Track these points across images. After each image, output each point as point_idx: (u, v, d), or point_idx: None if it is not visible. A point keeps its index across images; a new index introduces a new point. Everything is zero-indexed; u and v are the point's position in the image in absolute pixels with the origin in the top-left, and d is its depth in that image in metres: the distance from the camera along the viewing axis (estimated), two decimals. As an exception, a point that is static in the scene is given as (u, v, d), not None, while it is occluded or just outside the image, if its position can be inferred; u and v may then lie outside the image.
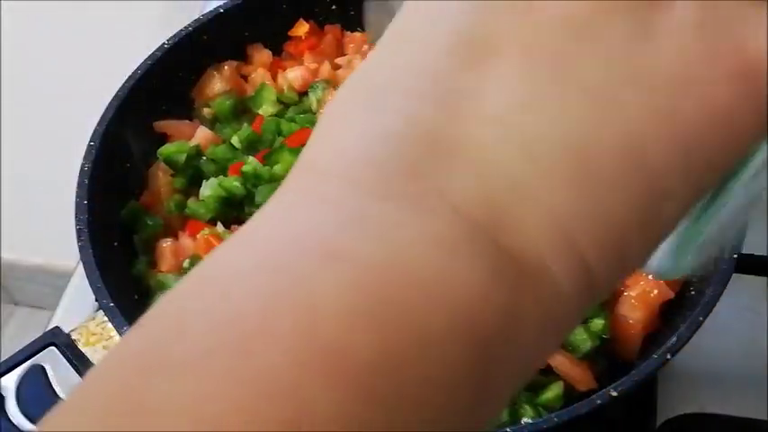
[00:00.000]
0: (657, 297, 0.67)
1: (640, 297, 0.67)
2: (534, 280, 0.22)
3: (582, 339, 0.66)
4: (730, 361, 0.72)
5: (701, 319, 0.61)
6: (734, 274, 0.63)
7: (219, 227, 0.73)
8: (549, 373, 0.66)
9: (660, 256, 0.29)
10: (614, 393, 0.58)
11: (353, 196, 0.22)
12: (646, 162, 0.23)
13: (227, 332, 0.20)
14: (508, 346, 0.22)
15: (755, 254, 0.72)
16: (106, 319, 0.64)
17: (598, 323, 0.66)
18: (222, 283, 0.21)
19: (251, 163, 0.75)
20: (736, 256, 0.63)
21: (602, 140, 0.22)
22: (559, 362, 0.66)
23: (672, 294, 0.68)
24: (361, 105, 0.24)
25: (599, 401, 0.58)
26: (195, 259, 0.71)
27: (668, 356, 0.59)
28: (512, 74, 0.23)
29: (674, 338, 0.60)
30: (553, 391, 0.65)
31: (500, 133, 0.22)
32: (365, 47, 0.84)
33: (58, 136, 1.16)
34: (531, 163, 0.22)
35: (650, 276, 0.30)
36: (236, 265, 0.22)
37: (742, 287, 0.71)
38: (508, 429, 0.58)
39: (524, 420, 0.62)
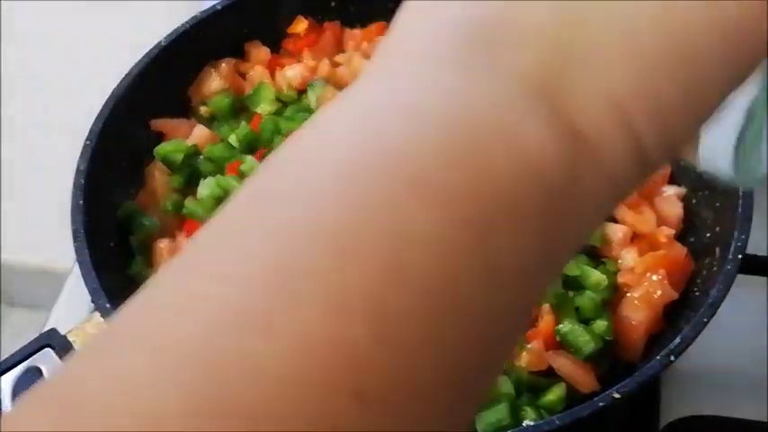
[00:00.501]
0: (661, 298, 0.67)
1: (644, 298, 0.67)
2: (590, 146, 0.25)
3: (584, 341, 0.65)
4: (734, 363, 0.71)
5: (704, 320, 0.60)
6: (738, 276, 0.63)
7: (217, 227, 0.73)
8: (551, 375, 0.65)
9: (723, 155, 0.31)
10: (617, 395, 0.58)
11: (432, 68, 0.25)
12: (690, 45, 0.25)
13: (330, 166, 0.24)
14: (568, 203, 0.25)
15: (759, 255, 0.71)
16: (103, 320, 0.64)
17: (601, 324, 0.66)
18: (327, 138, 0.25)
19: (249, 162, 0.75)
20: (740, 256, 0.63)
21: (650, 23, 0.25)
22: (562, 363, 0.65)
23: (675, 295, 0.67)
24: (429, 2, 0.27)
25: (601, 403, 0.58)
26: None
27: (671, 358, 0.59)
28: None
29: (678, 340, 0.60)
30: (555, 393, 0.64)
31: (555, 12, 0.25)
32: (364, 44, 0.83)
33: (55, 135, 1.15)
34: (586, 41, 0.25)
35: (724, 180, 0.33)
36: (340, 124, 0.25)
37: (746, 288, 0.71)
38: (510, 432, 0.58)
39: (526, 422, 0.62)
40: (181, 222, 0.75)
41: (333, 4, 0.86)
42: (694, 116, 0.27)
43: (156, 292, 0.24)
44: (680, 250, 0.70)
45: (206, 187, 0.75)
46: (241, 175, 0.74)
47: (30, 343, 0.66)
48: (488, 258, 0.23)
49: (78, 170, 0.71)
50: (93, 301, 0.65)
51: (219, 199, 0.73)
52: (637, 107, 0.25)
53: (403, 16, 0.27)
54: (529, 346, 0.65)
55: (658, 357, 0.59)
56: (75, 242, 0.67)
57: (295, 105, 0.81)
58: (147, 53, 0.78)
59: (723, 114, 0.29)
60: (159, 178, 0.77)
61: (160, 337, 0.22)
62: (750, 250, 0.64)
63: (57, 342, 0.66)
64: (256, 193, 0.24)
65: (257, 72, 0.83)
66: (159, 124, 0.80)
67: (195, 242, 0.24)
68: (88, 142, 0.72)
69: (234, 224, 0.24)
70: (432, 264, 0.22)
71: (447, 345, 0.22)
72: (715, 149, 0.31)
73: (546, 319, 0.66)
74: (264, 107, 0.81)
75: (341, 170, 0.23)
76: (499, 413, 0.62)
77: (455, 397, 0.23)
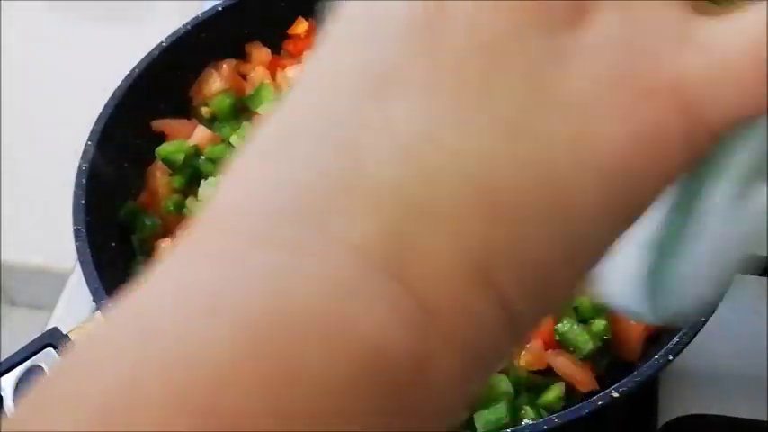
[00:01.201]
0: (659, 297, 0.67)
1: (642, 297, 0.67)
2: (447, 321, 0.21)
3: (583, 340, 0.65)
4: (732, 362, 0.71)
5: (702, 320, 0.60)
6: (736, 275, 0.63)
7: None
8: (549, 375, 0.66)
9: (626, 290, 0.27)
10: (615, 394, 0.58)
11: (242, 248, 0.21)
12: (562, 193, 0.21)
13: (92, 402, 0.19)
14: (422, 389, 0.21)
15: (757, 254, 0.72)
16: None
17: (600, 324, 0.66)
18: (96, 351, 0.20)
19: (250, 162, 0.75)
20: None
21: (512, 171, 0.21)
22: (561, 363, 0.65)
23: (674, 295, 0.68)
24: (259, 155, 0.23)
25: (600, 403, 0.58)
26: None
27: (670, 357, 0.59)
28: (414, 106, 0.21)
29: (676, 339, 0.60)
30: (554, 392, 0.64)
31: (400, 168, 0.21)
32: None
33: (56, 135, 1.16)
34: (435, 196, 0.21)
35: (631, 318, 0.28)
36: (115, 330, 0.21)
37: (744, 288, 0.71)
38: (509, 431, 0.58)
39: (525, 421, 0.62)
40: (182, 222, 0.75)
41: (333, 5, 0.86)
42: (572, 263, 0.23)
43: None
44: (679, 250, 0.70)
45: (207, 188, 0.75)
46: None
47: (31, 342, 0.66)
48: None
49: (80, 170, 0.71)
50: (94, 301, 0.65)
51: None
52: (499, 264, 0.21)
53: (228, 171, 0.23)
54: (528, 345, 0.65)
55: (657, 357, 0.60)
56: (76, 242, 0.67)
57: (296, 106, 0.81)
58: (148, 54, 0.79)
59: (622, 247, 0.25)
60: (161, 179, 0.77)
61: None
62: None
63: (58, 341, 0.66)
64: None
65: (258, 73, 0.83)
66: (160, 125, 0.80)
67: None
68: (90, 143, 0.73)
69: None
70: None
71: None
72: (617, 285, 0.28)
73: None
74: (265, 108, 0.81)
75: (109, 405, 0.19)
76: (498, 412, 0.62)
77: None
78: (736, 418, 0.67)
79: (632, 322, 0.67)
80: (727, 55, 0.22)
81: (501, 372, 0.65)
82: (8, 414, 0.20)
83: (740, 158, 0.25)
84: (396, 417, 0.20)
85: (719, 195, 0.25)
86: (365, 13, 0.23)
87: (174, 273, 0.21)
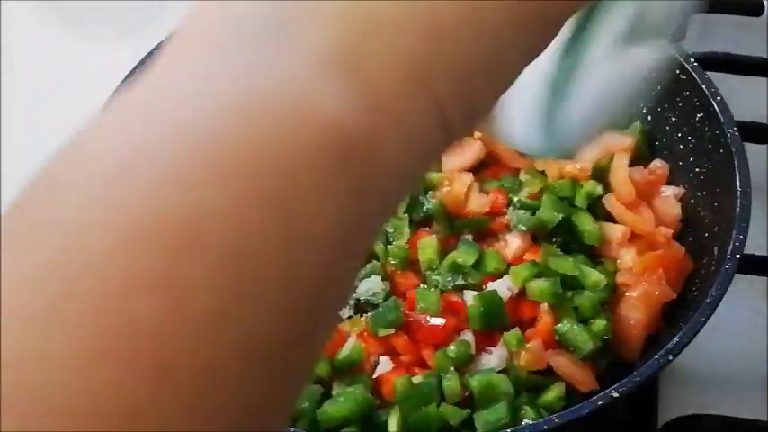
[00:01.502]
0: (659, 298, 0.67)
1: (642, 298, 0.67)
2: (391, 112, 0.25)
3: (583, 340, 0.65)
4: (732, 362, 0.71)
5: (702, 320, 0.61)
6: (736, 275, 0.63)
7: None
8: (550, 375, 0.66)
9: (523, 126, 0.33)
10: (615, 394, 0.58)
11: (220, 52, 0.25)
12: (486, 18, 0.26)
13: (129, 151, 0.23)
14: (372, 167, 0.25)
15: (757, 254, 0.72)
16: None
17: (600, 324, 0.66)
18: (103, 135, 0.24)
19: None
20: (738, 256, 0.63)
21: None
22: (561, 363, 0.65)
23: (674, 295, 0.68)
24: None
25: (600, 402, 0.58)
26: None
27: (670, 357, 0.59)
28: None
29: (676, 339, 0.60)
30: (554, 392, 0.65)
31: None
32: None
33: (58, 135, 1.16)
34: (381, 14, 0.25)
35: (524, 152, 0.36)
36: (137, 114, 0.24)
37: (743, 288, 0.71)
38: (509, 431, 0.58)
39: (525, 421, 0.62)
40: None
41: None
42: (493, 80, 0.28)
43: None
44: (678, 250, 0.70)
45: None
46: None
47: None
48: (290, 230, 0.23)
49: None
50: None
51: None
52: (434, 71, 0.26)
53: (196, 3, 0.27)
54: (528, 345, 0.65)
55: (657, 357, 0.60)
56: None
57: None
58: (149, 53, 0.79)
59: (521, 85, 0.29)
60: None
61: None
62: (748, 250, 0.65)
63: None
64: (49, 183, 0.24)
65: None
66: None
67: None
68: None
69: (26, 217, 0.24)
70: (228, 236, 0.22)
71: (248, 317, 0.22)
72: (516, 123, 0.33)
73: (545, 319, 0.66)
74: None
75: (135, 155, 0.23)
76: (498, 412, 0.62)
77: (265, 371, 0.23)
78: (736, 418, 0.67)
79: (632, 322, 0.67)
80: None
81: (501, 372, 0.65)
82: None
83: (619, 13, 0.31)
84: (355, 187, 0.24)
85: (601, 46, 0.31)
86: None
87: (168, 70, 0.25)
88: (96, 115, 0.25)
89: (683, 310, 0.66)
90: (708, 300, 0.61)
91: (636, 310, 0.67)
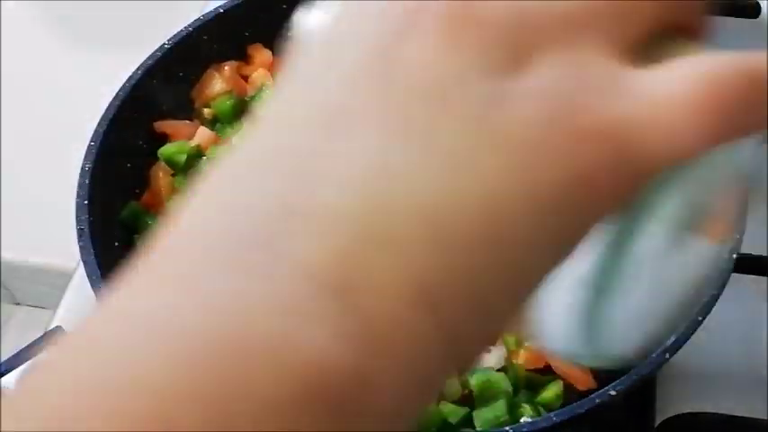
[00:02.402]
0: (656, 297, 0.67)
1: (639, 297, 0.67)
2: (388, 338, 0.22)
3: (581, 339, 0.66)
4: (729, 360, 0.72)
5: (699, 318, 0.61)
6: (733, 274, 0.63)
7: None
8: (548, 373, 0.66)
9: (561, 331, 0.28)
10: (613, 393, 0.58)
11: (201, 270, 0.22)
12: (503, 229, 0.23)
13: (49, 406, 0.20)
14: (366, 406, 0.22)
15: (754, 254, 0.72)
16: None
17: (597, 323, 0.66)
18: (58, 371, 0.22)
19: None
20: (735, 256, 0.63)
21: (455, 204, 0.23)
22: (559, 361, 0.66)
23: (671, 294, 0.68)
24: (216, 187, 0.24)
25: (598, 401, 0.58)
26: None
27: (667, 356, 0.60)
28: (366, 141, 0.23)
29: (673, 338, 0.60)
30: (552, 391, 0.65)
31: (354, 197, 0.22)
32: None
33: (59, 136, 1.16)
34: (384, 224, 0.22)
35: (565, 359, 0.29)
36: (76, 354, 0.22)
37: (741, 287, 0.71)
38: (508, 429, 0.58)
39: (523, 419, 0.63)
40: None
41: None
42: (511, 293, 0.24)
43: None
44: (676, 250, 0.70)
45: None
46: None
47: (35, 341, 0.67)
48: None
49: (83, 170, 0.72)
50: (97, 300, 0.65)
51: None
52: (441, 289, 0.22)
53: (186, 200, 0.24)
54: (527, 343, 0.65)
55: (654, 355, 0.60)
56: (79, 242, 0.68)
57: (297, 107, 0.82)
58: (150, 55, 0.79)
59: (558, 284, 0.26)
60: (163, 179, 0.78)
61: None
62: (745, 249, 0.65)
63: (62, 340, 0.66)
64: None
65: (260, 74, 0.83)
66: (163, 126, 0.81)
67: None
68: (92, 143, 0.73)
69: None
70: None
71: None
72: (553, 326, 0.28)
73: (543, 318, 0.66)
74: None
75: (58, 412, 0.20)
76: (497, 410, 0.62)
77: None
78: (733, 416, 0.68)
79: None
80: (657, 99, 0.23)
81: (500, 370, 0.65)
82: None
83: (670, 206, 0.26)
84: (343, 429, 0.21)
85: (650, 240, 0.26)
86: (323, 52, 0.25)
87: (133, 297, 0.23)
88: (65, 339, 0.23)
89: (681, 309, 0.66)
90: (705, 299, 0.62)
91: (634, 309, 0.67)
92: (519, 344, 0.65)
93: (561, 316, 0.27)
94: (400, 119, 0.23)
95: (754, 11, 0.90)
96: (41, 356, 0.22)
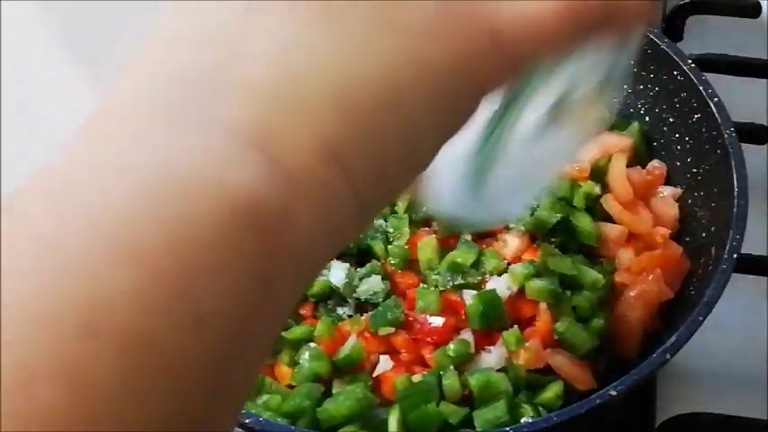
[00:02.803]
0: (657, 297, 0.68)
1: (640, 296, 0.68)
2: (305, 187, 0.26)
3: (582, 339, 0.66)
4: (730, 361, 0.72)
5: (700, 318, 0.61)
6: (733, 274, 0.63)
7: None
8: (548, 373, 0.66)
9: (448, 197, 0.33)
10: (614, 393, 0.58)
11: (141, 125, 0.26)
12: (399, 99, 0.27)
13: (29, 242, 0.24)
14: (284, 240, 0.25)
15: (755, 254, 0.72)
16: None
17: (598, 323, 0.67)
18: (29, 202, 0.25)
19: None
20: (735, 256, 0.63)
21: (360, 77, 0.27)
22: (559, 361, 0.66)
23: (671, 294, 0.68)
24: (150, 55, 0.27)
25: (598, 401, 0.58)
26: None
27: (668, 356, 0.60)
28: (279, 23, 0.27)
29: (674, 338, 0.60)
30: (553, 391, 0.65)
31: (272, 68, 0.26)
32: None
33: (59, 136, 1.16)
34: (299, 92, 0.26)
35: (451, 221, 0.40)
36: (38, 199, 0.25)
37: (742, 287, 0.72)
38: (508, 429, 0.58)
39: (524, 420, 0.63)
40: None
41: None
42: (409, 156, 0.28)
43: None
44: (676, 250, 0.71)
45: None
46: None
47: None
48: (192, 309, 0.23)
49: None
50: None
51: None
52: (347, 148, 0.26)
53: (126, 68, 0.28)
54: (527, 344, 0.66)
55: (654, 355, 0.60)
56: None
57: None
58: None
59: (447, 155, 0.30)
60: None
61: None
62: (745, 250, 0.65)
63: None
64: None
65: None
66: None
67: None
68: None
69: None
70: (127, 322, 0.22)
71: (153, 400, 0.23)
72: (442, 191, 0.33)
73: (544, 318, 0.67)
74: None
75: (39, 244, 0.23)
76: (497, 410, 0.62)
77: None
78: (734, 417, 0.68)
79: (630, 321, 0.67)
80: (534, 5, 0.29)
81: (500, 371, 0.65)
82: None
83: (544, 96, 0.32)
84: (267, 262, 0.25)
85: (527, 122, 0.32)
86: None
87: (85, 149, 0.26)
88: (13, 192, 0.26)
89: (681, 309, 0.66)
90: (705, 299, 0.62)
91: (634, 309, 0.67)
92: (519, 344, 0.65)
93: (452, 184, 0.33)
94: (308, 6, 0.27)
95: (754, 11, 0.90)
96: (21, 187, 0.26)
